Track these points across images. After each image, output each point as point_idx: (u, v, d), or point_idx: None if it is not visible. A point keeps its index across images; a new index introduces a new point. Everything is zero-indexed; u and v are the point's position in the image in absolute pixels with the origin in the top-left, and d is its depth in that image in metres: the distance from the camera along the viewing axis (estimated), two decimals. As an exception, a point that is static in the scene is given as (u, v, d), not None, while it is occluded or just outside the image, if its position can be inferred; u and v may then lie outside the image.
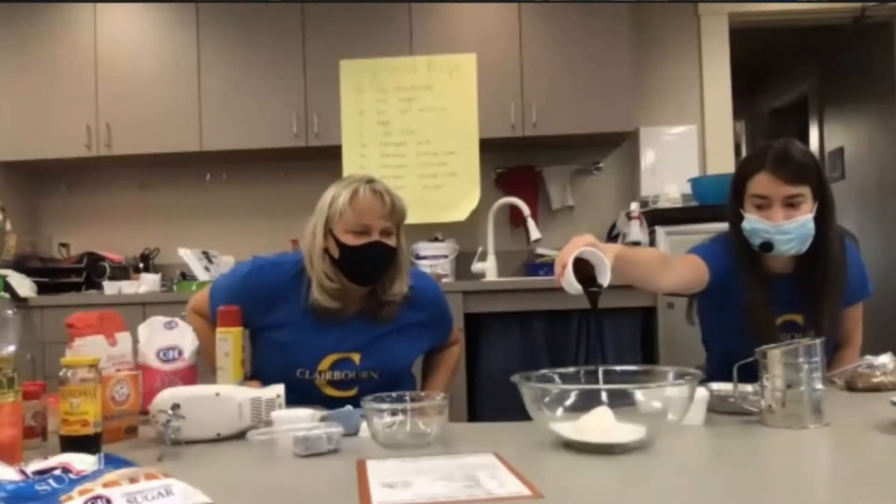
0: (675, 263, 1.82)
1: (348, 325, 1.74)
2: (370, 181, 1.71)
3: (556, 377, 1.32)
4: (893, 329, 4.14)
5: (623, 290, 3.33)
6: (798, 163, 1.69)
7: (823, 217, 1.73)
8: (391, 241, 1.72)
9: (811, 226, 1.70)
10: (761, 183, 1.71)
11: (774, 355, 1.33)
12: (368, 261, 1.69)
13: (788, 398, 1.30)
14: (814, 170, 1.73)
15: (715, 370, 1.85)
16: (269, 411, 1.39)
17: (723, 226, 1.93)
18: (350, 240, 1.68)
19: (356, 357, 1.72)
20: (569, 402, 1.21)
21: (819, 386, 1.31)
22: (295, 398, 1.48)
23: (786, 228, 1.69)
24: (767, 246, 1.72)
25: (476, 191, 3.56)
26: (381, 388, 1.50)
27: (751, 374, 1.41)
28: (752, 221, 1.73)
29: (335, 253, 1.69)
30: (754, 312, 1.77)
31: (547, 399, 1.21)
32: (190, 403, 1.30)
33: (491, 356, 3.24)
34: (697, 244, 1.95)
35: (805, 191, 1.70)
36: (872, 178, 4.73)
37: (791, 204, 1.70)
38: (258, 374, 1.75)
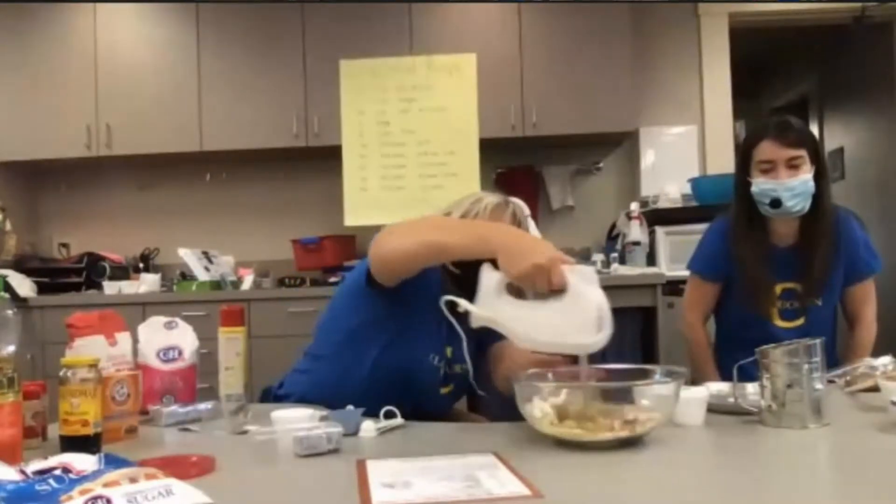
0: (694, 305, 2.13)
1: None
2: (508, 202, 1.70)
3: (551, 375, 1.32)
4: (894, 329, 4.13)
5: (623, 289, 3.37)
6: (797, 129, 1.93)
7: (821, 180, 1.92)
8: None
9: (812, 184, 1.89)
10: (766, 149, 1.92)
11: (774, 355, 1.33)
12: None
13: (788, 398, 1.30)
14: (810, 136, 1.97)
15: (723, 340, 2.18)
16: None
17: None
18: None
19: (448, 350, 1.63)
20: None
21: (819, 386, 1.30)
22: (418, 397, 1.46)
23: (790, 185, 1.88)
24: (776, 203, 1.89)
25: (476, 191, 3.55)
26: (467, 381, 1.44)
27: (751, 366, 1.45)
28: (760, 184, 1.91)
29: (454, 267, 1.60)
30: (754, 280, 1.98)
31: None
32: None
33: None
34: (694, 255, 2.17)
35: (804, 154, 1.90)
36: (872, 178, 4.72)
37: (793, 166, 1.89)
38: (370, 365, 1.57)
